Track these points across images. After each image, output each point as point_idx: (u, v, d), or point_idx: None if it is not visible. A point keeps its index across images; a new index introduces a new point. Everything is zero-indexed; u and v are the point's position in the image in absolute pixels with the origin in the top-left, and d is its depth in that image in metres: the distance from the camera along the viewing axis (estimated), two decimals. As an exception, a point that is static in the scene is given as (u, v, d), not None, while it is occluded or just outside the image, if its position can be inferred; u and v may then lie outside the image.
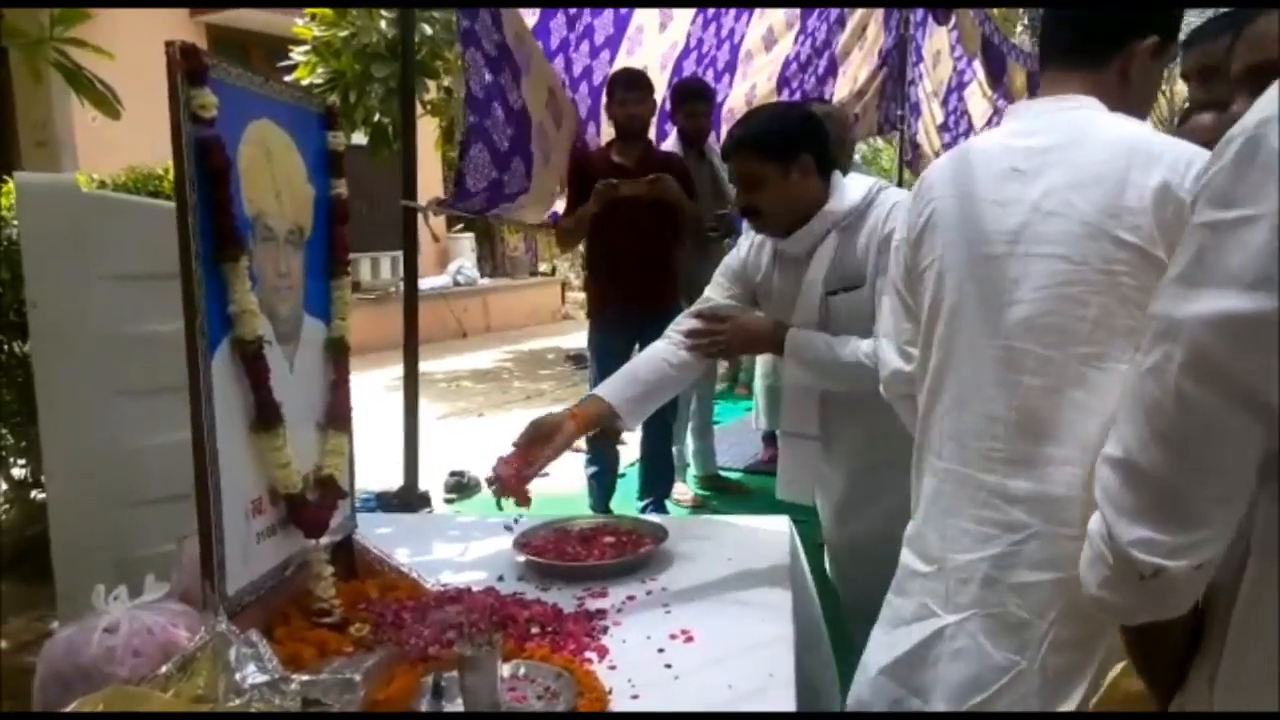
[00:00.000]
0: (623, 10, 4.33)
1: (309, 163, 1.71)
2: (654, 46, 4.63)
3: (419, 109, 8.00)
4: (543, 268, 16.55)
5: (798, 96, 5.46)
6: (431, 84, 7.34)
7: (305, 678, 1.31)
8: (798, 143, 1.99)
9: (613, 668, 1.49)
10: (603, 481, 3.91)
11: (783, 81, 5.49)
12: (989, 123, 6.62)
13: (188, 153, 1.31)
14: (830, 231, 2.01)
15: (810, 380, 2.03)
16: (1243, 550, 0.85)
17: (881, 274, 1.88)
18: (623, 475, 4.17)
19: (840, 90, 5.88)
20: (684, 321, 2.14)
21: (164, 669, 1.31)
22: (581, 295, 15.94)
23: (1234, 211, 0.76)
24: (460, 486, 4.58)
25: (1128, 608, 0.87)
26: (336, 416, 1.73)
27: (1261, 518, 0.84)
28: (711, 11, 4.76)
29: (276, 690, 1.30)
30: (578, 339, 10.13)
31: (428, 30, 6.69)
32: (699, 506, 4.26)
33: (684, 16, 4.66)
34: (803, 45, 5.51)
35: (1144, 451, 0.81)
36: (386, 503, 3.60)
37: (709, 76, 4.99)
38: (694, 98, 4.16)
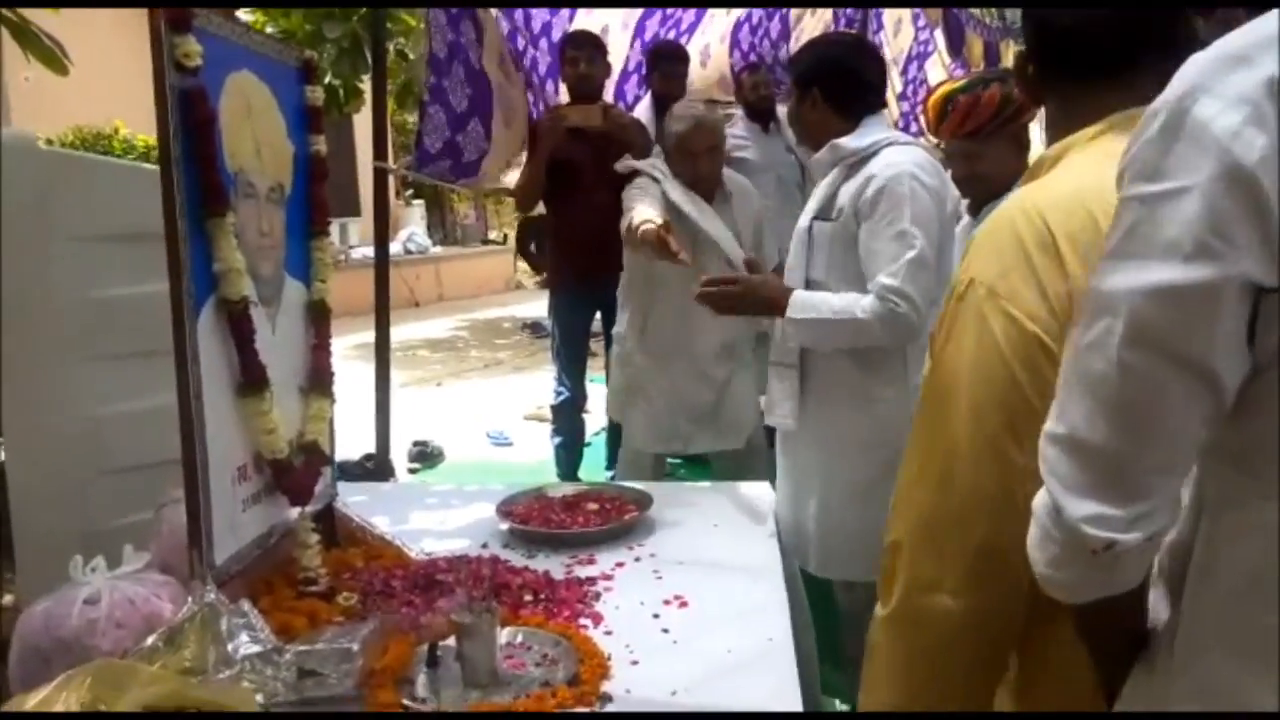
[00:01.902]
0: None
1: (288, 118, 1.65)
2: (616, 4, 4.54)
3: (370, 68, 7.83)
4: (493, 235, 16.38)
5: (752, 59, 5.41)
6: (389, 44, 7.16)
7: (301, 648, 1.28)
8: (805, 77, 2.12)
9: (609, 633, 1.47)
10: (570, 451, 3.88)
11: (734, 43, 5.43)
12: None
13: (171, 104, 1.25)
14: (836, 165, 2.08)
15: (808, 340, 2.05)
16: (1195, 514, 0.86)
17: (866, 221, 1.95)
18: (588, 444, 4.15)
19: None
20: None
21: (149, 641, 1.27)
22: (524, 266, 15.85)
23: (1164, 184, 0.76)
24: (424, 455, 4.52)
25: (1078, 584, 0.86)
26: (318, 381, 1.69)
27: (1211, 480, 0.85)
28: None
29: (269, 661, 1.26)
30: (532, 307, 10.06)
31: (382, -10, 6.51)
32: (666, 475, 4.25)
33: None
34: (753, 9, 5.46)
35: (1090, 427, 0.80)
36: (348, 472, 3.53)
37: (673, 36, 4.92)
38: (670, 59, 4.07)
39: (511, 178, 4.04)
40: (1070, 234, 0.96)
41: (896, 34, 6.58)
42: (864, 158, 2.01)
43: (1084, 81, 1.08)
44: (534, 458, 4.49)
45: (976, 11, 6.79)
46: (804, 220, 2.13)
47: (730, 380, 2.86)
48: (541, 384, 5.98)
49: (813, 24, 5.99)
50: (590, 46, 3.66)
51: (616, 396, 3.01)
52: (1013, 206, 1.03)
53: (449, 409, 5.73)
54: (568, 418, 3.85)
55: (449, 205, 15.95)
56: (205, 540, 1.31)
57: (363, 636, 1.31)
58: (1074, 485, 0.82)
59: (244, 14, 6.82)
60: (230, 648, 1.26)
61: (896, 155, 1.99)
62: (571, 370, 3.82)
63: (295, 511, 1.58)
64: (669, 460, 3.35)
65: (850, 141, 2.04)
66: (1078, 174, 1.01)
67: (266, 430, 1.44)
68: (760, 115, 4.42)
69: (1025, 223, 0.98)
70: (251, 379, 1.41)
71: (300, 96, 1.71)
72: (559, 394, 3.87)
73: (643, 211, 2.60)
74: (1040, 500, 0.86)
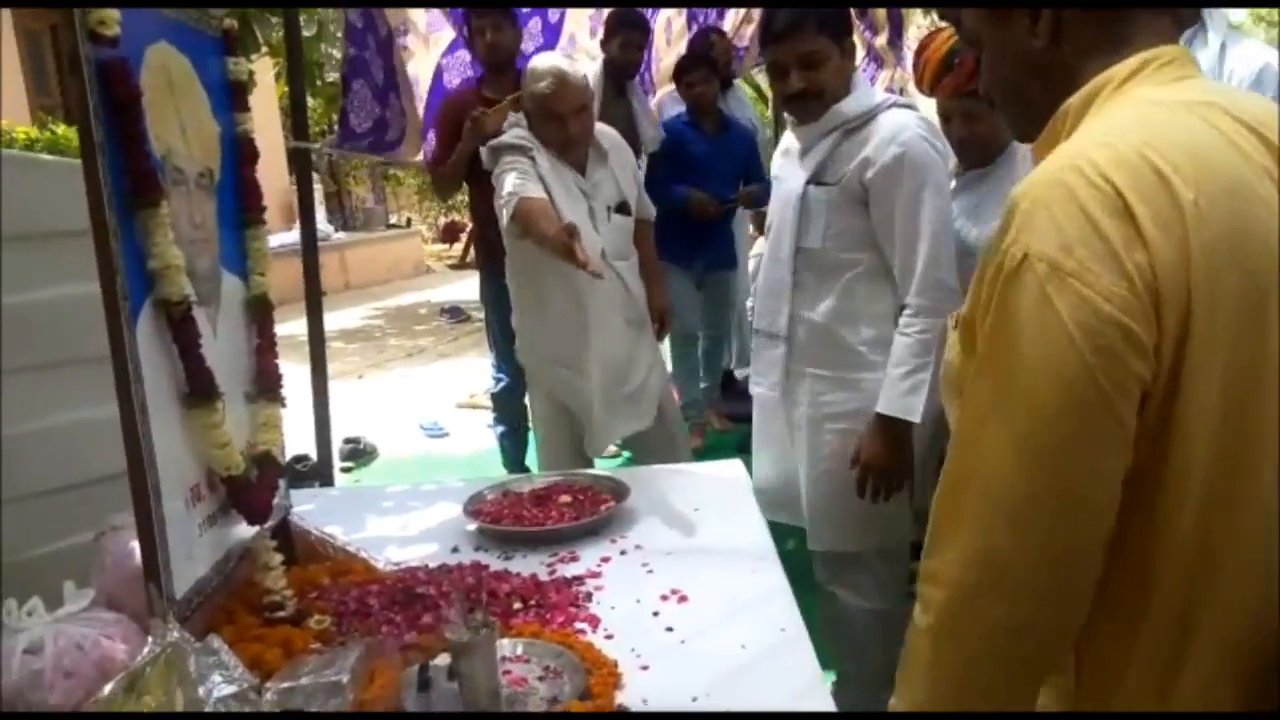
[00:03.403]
0: None
1: (211, 94, 1.48)
2: None
3: (261, 49, 7.45)
4: (394, 219, 15.96)
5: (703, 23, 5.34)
6: (276, 20, 6.81)
7: (282, 685, 1.15)
8: (849, 20, 1.98)
9: (610, 637, 1.37)
10: (514, 440, 3.75)
11: (691, 15, 5.37)
12: (865, 58, 6.64)
13: (89, 79, 1.08)
14: (835, 130, 1.96)
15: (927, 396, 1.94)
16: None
17: (886, 189, 1.90)
18: (532, 429, 4.02)
19: (730, 17, 5.77)
20: None
21: (106, 690, 1.12)
22: (437, 248, 15.46)
23: None
24: (357, 453, 4.33)
25: None
26: (267, 385, 1.54)
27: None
28: None
29: (247, 702, 1.13)
30: (446, 291, 9.82)
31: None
32: (614, 456, 4.16)
33: None
34: None
35: None
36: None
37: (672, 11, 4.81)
38: (629, 27, 3.90)
39: (415, 150, 3.86)
40: (1144, 195, 0.81)
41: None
42: (865, 121, 1.94)
43: (1105, 14, 0.94)
44: (473, 448, 4.34)
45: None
46: (796, 185, 2.02)
47: (637, 356, 2.62)
48: (470, 370, 5.81)
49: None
50: (498, 14, 3.44)
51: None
52: (1060, 167, 0.85)
53: (375, 402, 5.52)
54: (509, 405, 3.71)
55: (346, 189, 15.45)
56: (164, 571, 1.16)
57: (350, 666, 1.18)
58: None
59: None
60: (202, 691, 1.12)
61: (902, 117, 1.93)
62: (508, 355, 3.64)
63: (251, 530, 1.44)
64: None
65: (850, 105, 1.94)
66: (1127, 125, 0.87)
67: (219, 444, 1.29)
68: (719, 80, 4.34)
69: (1085, 185, 0.82)
70: (199, 388, 1.25)
71: (222, 70, 1.54)
72: (498, 381, 3.73)
73: (523, 187, 2.33)
74: None
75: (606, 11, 4.08)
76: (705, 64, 4.07)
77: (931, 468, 2.00)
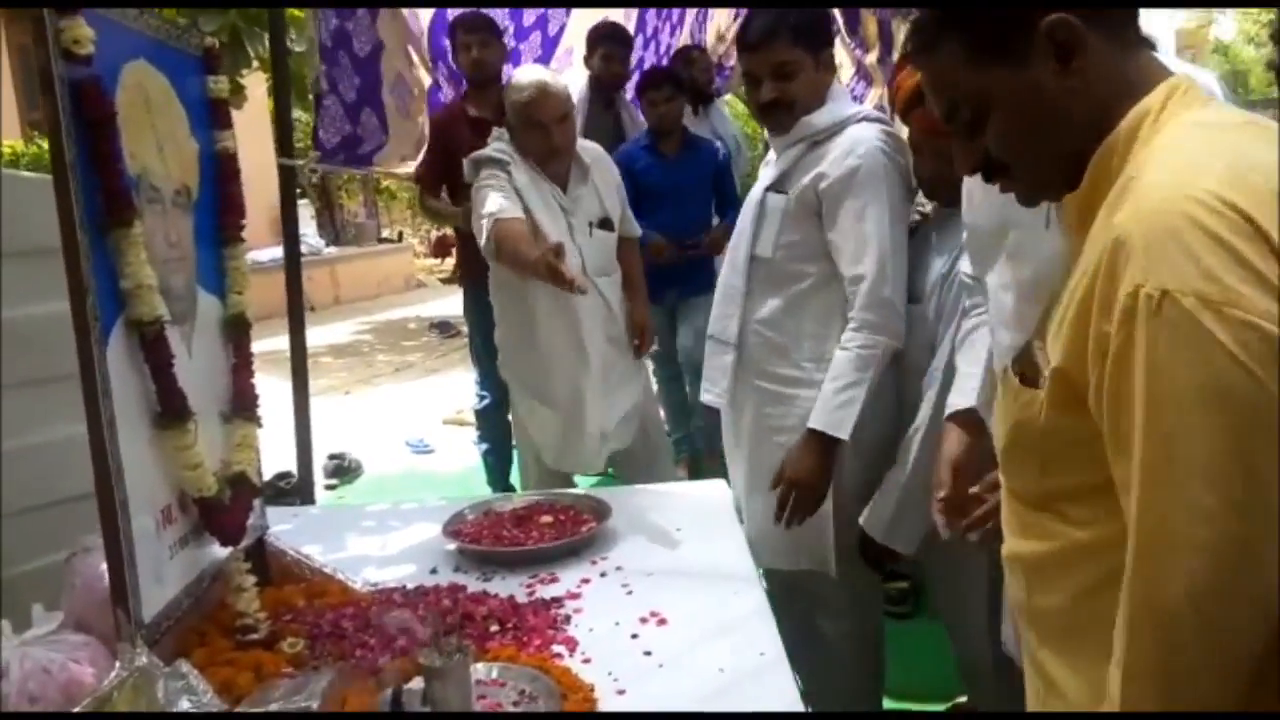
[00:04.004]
0: None
1: (190, 112, 1.48)
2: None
3: (252, 63, 7.45)
4: (385, 233, 15.92)
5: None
6: (265, 36, 6.82)
7: (253, 710, 1.13)
8: (827, 31, 1.96)
9: (587, 661, 1.36)
10: (499, 457, 3.72)
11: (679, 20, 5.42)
12: (854, 75, 6.67)
13: (62, 98, 1.08)
14: (803, 140, 1.96)
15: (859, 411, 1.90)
16: None
17: (837, 200, 1.88)
18: (516, 447, 4.01)
19: (709, 35, 5.81)
20: None
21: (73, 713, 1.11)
22: (429, 262, 15.44)
23: None
24: (342, 470, 4.30)
25: None
26: (242, 405, 1.52)
27: None
28: None
29: (215, 727, 1.12)
30: (437, 306, 9.79)
31: (262, -20, 6.18)
32: (601, 474, 4.14)
33: None
34: None
35: None
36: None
37: (665, 29, 4.81)
38: (609, 40, 3.89)
39: (407, 169, 3.86)
40: (1267, 215, 0.78)
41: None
42: (833, 133, 1.93)
43: (1127, 48, 0.90)
44: (459, 465, 4.32)
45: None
46: (756, 191, 2.03)
47: (620, 372, 2.61)
48: (458, 386, 5.79)
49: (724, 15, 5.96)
50: (484, 30, 3.45)
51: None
52: (1168, 199, 0.81)
53: (362, 418, 5.49)
54: (492, 422, 3.69)
55: (338, 203, 15.42)
56: (132, 594, 1.14)
57: (321, 691, 1.17)
58: None
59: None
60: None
61: (866, 131, 1.92)
62: (492, 371, 3.59)
63: (225, 550, 1.43)
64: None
65: (821, 117, 1.94)
66: (1203, 149, 0.84)
67: (191, 465, 1.28)
68: (698, 96, 4.33)
69: (1209, 212, 0.78)
70: (171, 409, 1.24)
71: (202, 88, 1.54)
72: (481, 398, 3.71)
73: (501, 209, 2.32)
74: None
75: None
76: (670, 81, 3.71)
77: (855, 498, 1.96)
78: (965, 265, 1.76)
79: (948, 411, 1.71)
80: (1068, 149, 0.93)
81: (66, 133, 1.08)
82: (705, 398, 2.16)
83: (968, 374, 1.71)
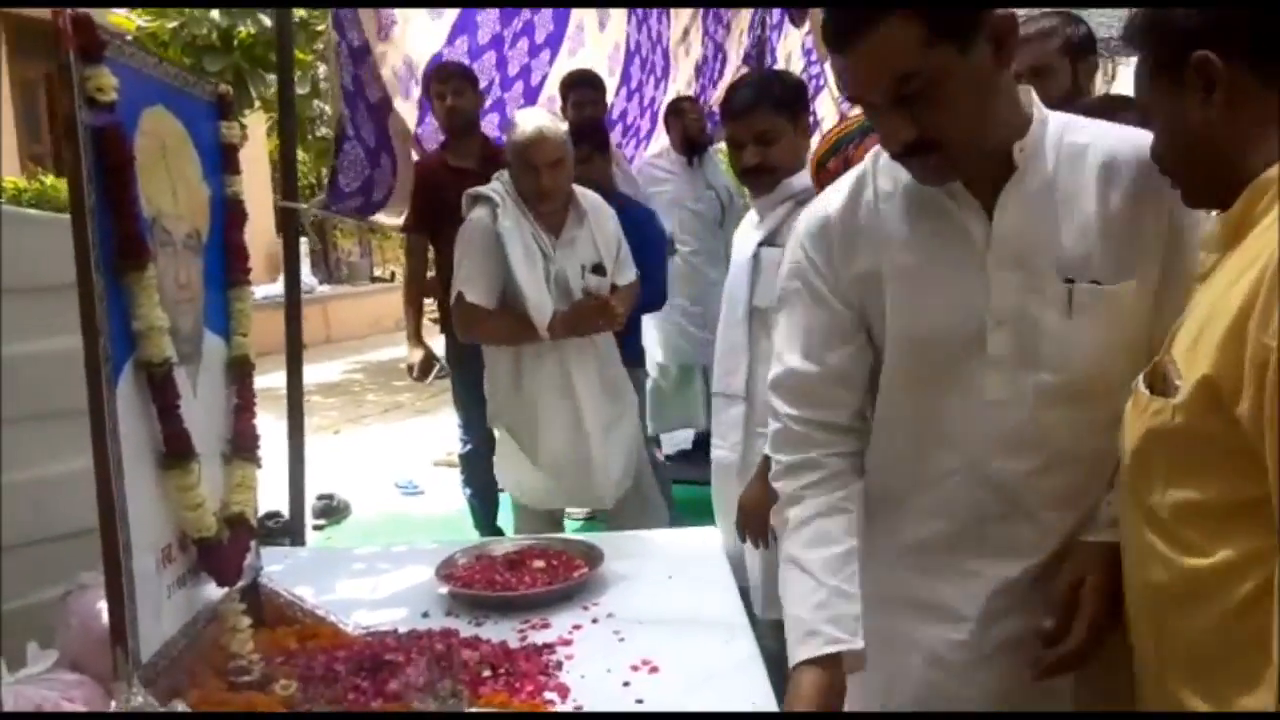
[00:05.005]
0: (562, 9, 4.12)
1: (203, 157, 1.51)
2: (598, 47, 4.43)
3: (254, 104, 7.54)
4: (378, 272, 15.95)
5: (704, 98, 5.46)
6: (270, 78, 6.91)
7: (253, 711, 1.14)
8: (805, 100, 2.06)
9: (579, 708, 1.37)
10: (484, 502, 3.71)
11: (700, 88, 5.53)
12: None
13: (84, 144, 1.11)
14: (788, 200, 2.03)
15: None
16: None
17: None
18: (503, 491, 4.00)
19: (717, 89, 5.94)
20: None
21: (65, 755, 1.11)
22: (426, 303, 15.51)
23: None
24: (330, 510, 4.29)
25: None
26: (243, 445, 1.54)
27: None
28: (641, 11, 4.61)
29: (208, 770, 1.12)
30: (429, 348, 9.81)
31: (266, 21, 6.28)
32: (590, 518, 4.14)
33: (619, 15, 4.51)
34: (708, 48, 5.54)
35: None
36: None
37: (650, 83, 4.88)
38: (582, 85, 3.92)
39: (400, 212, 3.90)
40: None
41: (787, 67, 6.70)
42: (813, 193, 1.98)
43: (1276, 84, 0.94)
44: (448, 507, 4.31)
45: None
46: (748, 249, 2.09)
47: (610, 429, 2.67)
48: (447, 427, 5.77)
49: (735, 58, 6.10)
50: (458, 78, 3.48)
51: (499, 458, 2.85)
52: None
53: (351, 458, 5.48)
54: (476, 468, 3.64)
55: (332, 242, 15.48)
56: (131, 634, 1.15)
57: (315, 735, 1.17)
58: None
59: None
60: (162, 758, 1.11)
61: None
62: (473, 417, 3.52)
63: (220, 591, 1.43)
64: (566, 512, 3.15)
65: (800, 180, 2.02)
66: None
67: (193, 506, 1.29)
68: (691, 147, 4.39)
69: None
70: (176, 450, 1.26)
71: (214, 134, 1.57)
72: (464, 443, 3.70)
73: (470, 288, 2.57)
74: None
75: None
76: (589, 141, 3.31)
77: None
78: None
79: None
80: (1206, 172, 1.01)
81: (87, 178, 1.11)
82: (716, 454, 2.21)
83: None
